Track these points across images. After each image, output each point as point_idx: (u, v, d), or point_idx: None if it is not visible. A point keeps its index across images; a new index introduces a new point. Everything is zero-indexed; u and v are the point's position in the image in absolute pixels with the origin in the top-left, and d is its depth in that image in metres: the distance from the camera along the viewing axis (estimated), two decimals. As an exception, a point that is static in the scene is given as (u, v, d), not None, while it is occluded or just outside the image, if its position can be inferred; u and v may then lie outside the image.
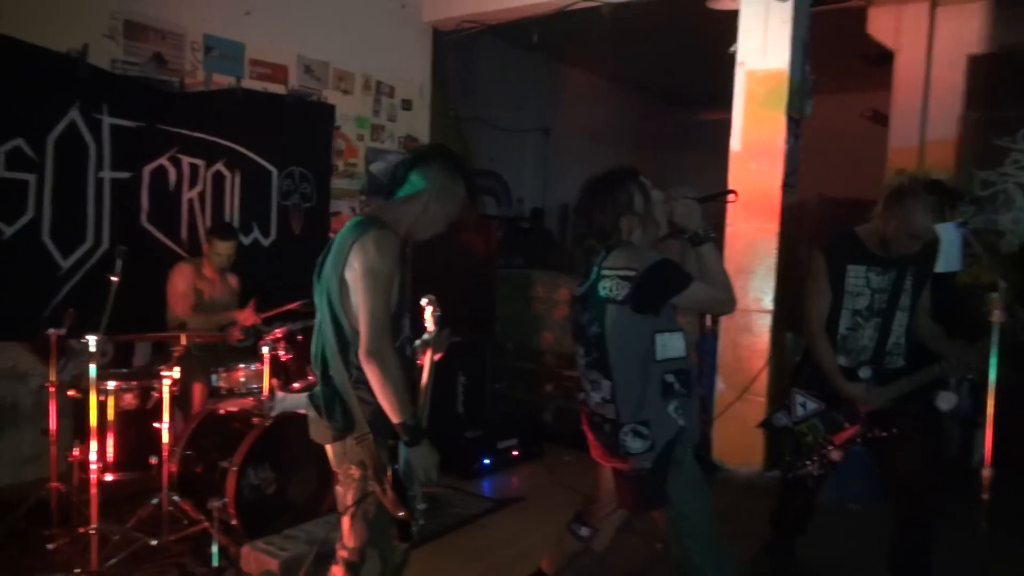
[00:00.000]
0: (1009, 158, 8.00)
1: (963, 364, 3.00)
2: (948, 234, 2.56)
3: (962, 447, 4.88)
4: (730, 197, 2.54)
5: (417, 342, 2.38)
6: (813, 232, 4.89)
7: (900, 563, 3.12)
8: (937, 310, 4.52)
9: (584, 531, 2.79)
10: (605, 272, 2.39)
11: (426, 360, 2.34)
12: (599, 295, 2.38)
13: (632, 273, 2.32)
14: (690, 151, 12.42)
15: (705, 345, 5.18)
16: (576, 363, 2.56)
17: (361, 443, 2.16)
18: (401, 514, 2.13)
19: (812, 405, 3.13)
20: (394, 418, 2.09)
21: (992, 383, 2.54)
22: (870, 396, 3.00)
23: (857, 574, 3.47)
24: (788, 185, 4.89)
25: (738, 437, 4.89)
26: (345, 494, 2.23)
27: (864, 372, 3.04)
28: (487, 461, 4.83)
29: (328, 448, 2.29)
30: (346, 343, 2.17)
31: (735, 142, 4.94)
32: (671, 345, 2.39)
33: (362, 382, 2.13)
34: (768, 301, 4.95)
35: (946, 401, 4.45)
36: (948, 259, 2.57)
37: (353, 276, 2.12)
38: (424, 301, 2.37)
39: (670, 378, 2.38)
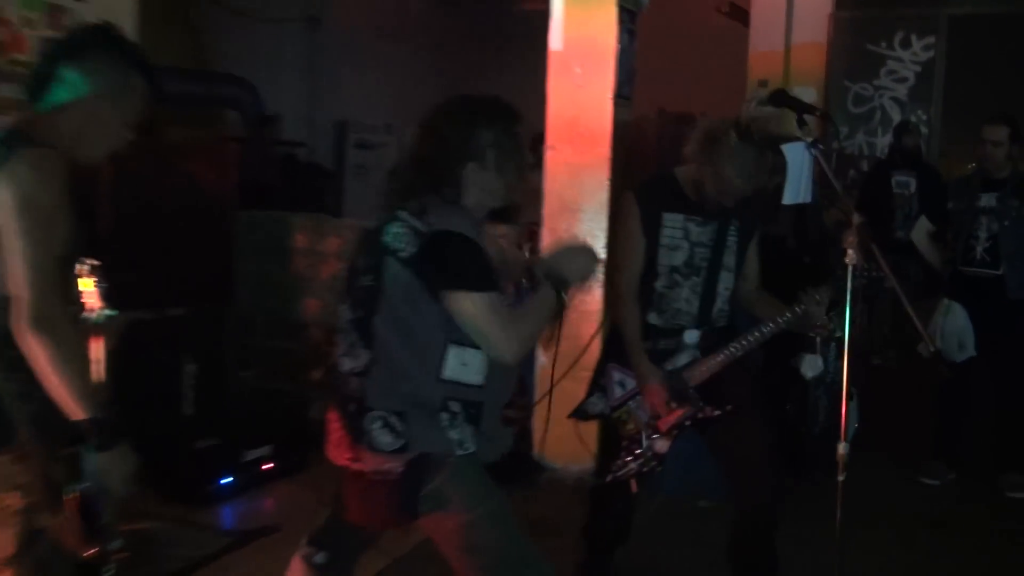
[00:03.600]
0: (884, 67, 8.85)
1: (795, 321, 3.25)
2: (796, 157, 2.74)
3: (830, 421, 5.38)
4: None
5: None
6: (655, 159, 5.11)
7: (741, 558, 3.42)
8: (794, 260, 4.92)
9: (319, 557, 2.74)
10: (403, 216, 2.41)
11: (96, 351, 2.20)
12: (384, 239, 2.40)
13: (425, 229, 2.36)
14: (503, 50, 12.55)
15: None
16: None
17: (21, 460, 2.03)
18: (89, 553, 2.02)
19: (631, 383, 3.31)
20: (76, 412, 2.01)
21: (847, 341, 2.78)
22: (668, 383, 3.25)
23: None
24: (621, 97, 5.07)
25: (566, 426, 5.07)
26: None
27: (690, 336, 3.30)
28: (228, 480, 4.71)
29: None
30: None
31: (555, 39, 5.05)
32: (470, 365, 2.41)
33: (17, 368, 2.01)
34: (600, 248, 5.11)
35: (811, 367, 4.90)
36: (795, 188, 2.76)
37: (2, 215, 2.01)
38: (81, 268, 2.20)
39: (454, 406, 2.42)
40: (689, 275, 3.29)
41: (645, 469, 3.32)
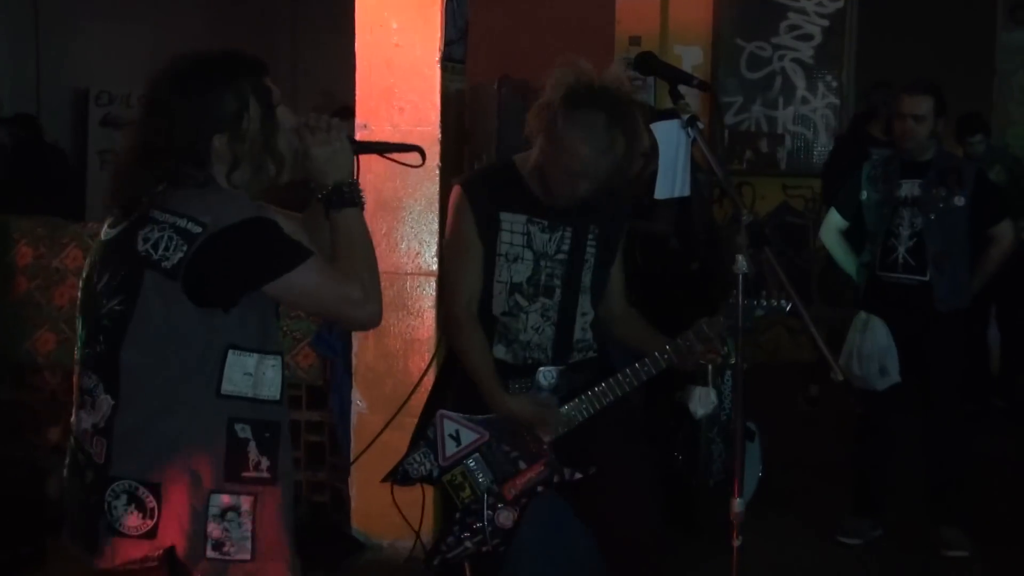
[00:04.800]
0: (785, 22, 9.21)
1: (681, 351, 3.34)
2: (669, 139, 2.84)
3: (728, 469, 5.56)
4: (411, 157, 2.69)
5: None
6: (495, 139, 5.18)
7: None
8: (679, 266, 5.04)
9: None
10: (156, 215, 2.41)
11: None
12: (135, 248, 2.40)
13: (198, 229, 2.36)
14: (303, 2, 12.47)
15: (330, 337, 5.29)
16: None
17: None
18: None
19: (468, 435, 3.36)
20: None
21: (738, 369, 2.90)
22: (547, 418, 3.31)
23: None
24: (451, 60, 5.12)
25: (391, 490, 5.09)
26: None
27: (546, 376, 3.35)
28: (-71, 583, 4.56)
29: None
30: None
31: (364, -15, 5.07)
32: (259, 377, 2.49)
33: None
34: (430, 257, 5.18)
35: (701, 402, 5.04)
36: (670, 179, 2.86)
37: None
38: None
39: (243, 430, 2.47)
40: (535, 296, 3.33)
41: (484, 548, 3.35)
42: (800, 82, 9.19)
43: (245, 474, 2.46)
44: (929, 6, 8.89)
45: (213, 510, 2.44)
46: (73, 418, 2.56)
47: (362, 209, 2.60)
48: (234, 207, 2.42)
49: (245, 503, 2.46)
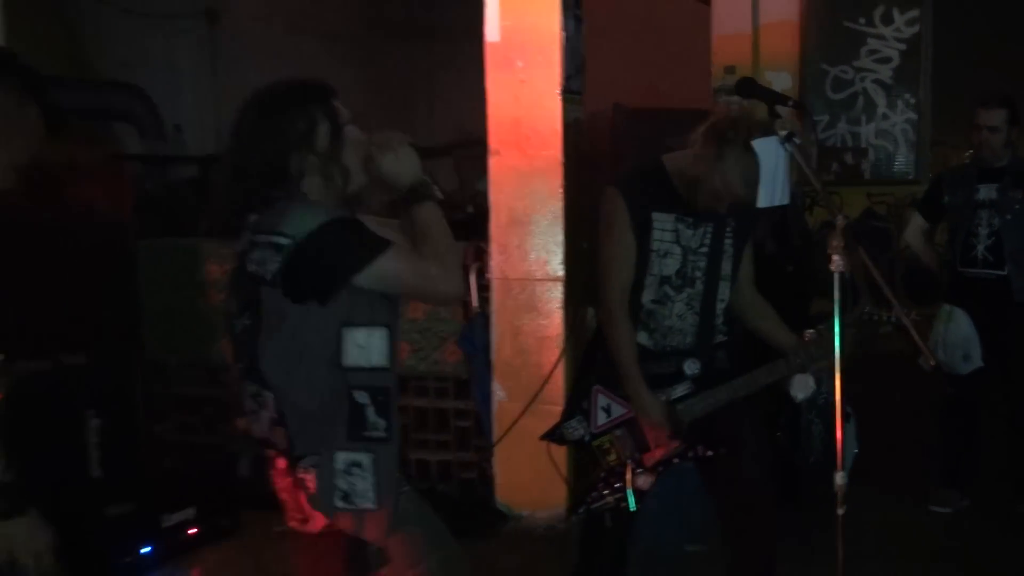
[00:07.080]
0: (865, 47, 9.09)
1: (807, 360, 3.39)
2: (769, 154, 2.84)
3: (826, 447, 5.50)
4: (493, 150, 2.70)
5: None
6: (610, 160, 5.20)
7: None
8: (775, 268, 5.02)
9: None
10: (257, 239, 2.50)
11: None
12: (248, 271, 2.51)
13: (285, 241, 2.43)
14: (436, 42, 12.65)
15: (472, 336, 5.36)
16: None
17: None
18: None
19: (618, 410, 3.43)
20: None
21: (838, 357, 2.88)
22: (668, 423, 3.36)
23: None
24: (570, 92, 5.18)
25: (531, 467, 5.13)
26: None
27: (691, 367, 3.40)
28: (148, 550, 4.69)
29: None
30: None
31: (491, 29, 5.14)
32: (370, 347, 2.56)
33: None
34: (557, 264, 5.24)
35: (801, 387, 5.00)
36: (770, 189, 2.86)
37: None
38: None
39: (361, 397, 2.55)
40: (682, 287, 3.39)
41: (623, 504, 3.42)
42: (880, 100, 9.10)
43: (365, 434, 2.54)
44: (999, 27, 8.66)
45: (339, 466, 2.52)
46: (252, 419, 2.65)
47: (436, 202, 2.61)
48: (311, 214, 2.47)
49: (366, 459, 2.54)
